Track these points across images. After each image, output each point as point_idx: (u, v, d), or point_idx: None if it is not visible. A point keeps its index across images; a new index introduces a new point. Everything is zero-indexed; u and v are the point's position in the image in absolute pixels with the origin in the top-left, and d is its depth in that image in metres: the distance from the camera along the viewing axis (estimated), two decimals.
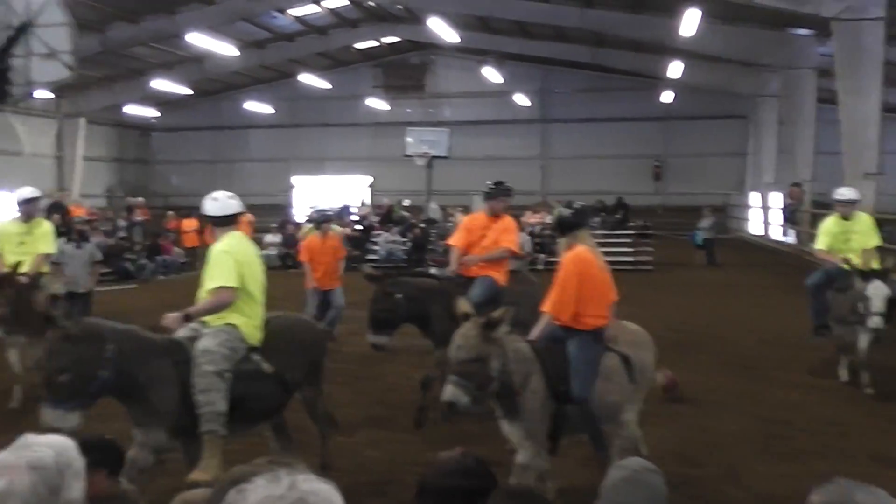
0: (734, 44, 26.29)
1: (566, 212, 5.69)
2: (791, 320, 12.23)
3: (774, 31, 25.86)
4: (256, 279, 5.77)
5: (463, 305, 5.25)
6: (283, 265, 22.68)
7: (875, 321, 8.14)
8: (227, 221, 5.96)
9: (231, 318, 5.52)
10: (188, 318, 5.44)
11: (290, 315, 6.58)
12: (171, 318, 5.39)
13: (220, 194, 6.17)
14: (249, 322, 5.62)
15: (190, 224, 24.86)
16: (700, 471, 6.40)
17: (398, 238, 23.32)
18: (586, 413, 5.31)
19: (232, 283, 5.48)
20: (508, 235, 7.98)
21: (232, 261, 5.54)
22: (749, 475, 6.28)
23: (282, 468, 1.50)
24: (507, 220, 8.19)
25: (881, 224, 22.32)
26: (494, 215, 8.11)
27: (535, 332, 5.48)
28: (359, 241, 24.69)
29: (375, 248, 24.71)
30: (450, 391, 4.83)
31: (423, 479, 2.78)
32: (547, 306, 5.53)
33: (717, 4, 22.14)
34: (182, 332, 5.48)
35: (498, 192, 8.24)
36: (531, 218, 23.55)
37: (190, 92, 36.16)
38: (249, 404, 5.46)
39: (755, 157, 33.92)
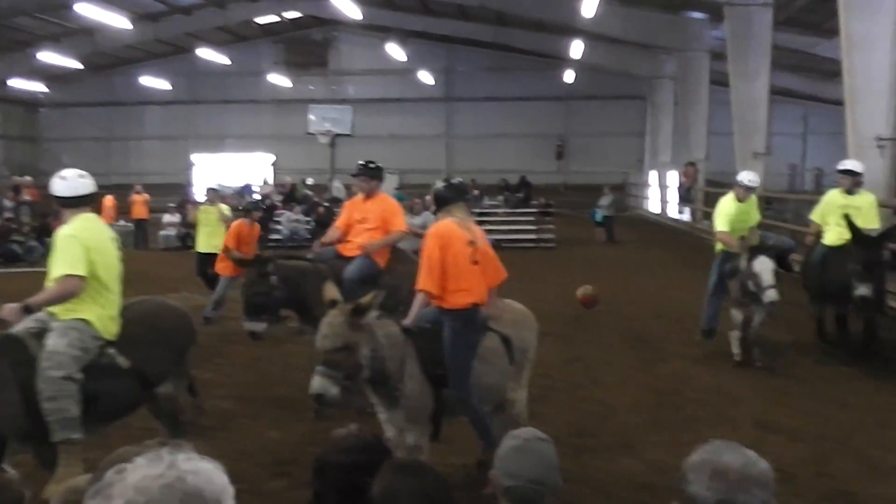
0: (632, 26, 26.90)
1: (440, 186, 5.55)
2: (685, 295, 12.67)
3: (670, 15, 26.59)
4: (110, 266, 5.26)
5: (330, 291, 4.99)
6: (183, 245, 22.08)
7: (770, 294, 8.29)
8: (78, 203, 5.35)
9: (83, 311, 5.05)
10: (28, 310, 4.92)
11: (152, 300, 6.10)
12: (8, 309, 4.87)
13: (70, 172, 5.54)
14: (104, 314, 5.17)
15: None
16: (595, 441, 6.58)
17: (301, 217, 23.02)
18: (465, 403, 5.21)
19: (79, 270, 4.96)
20: (395, 218, 7.64)
21: (79, 246, 4.99)
22: (642, 444, 6.50)
23: (165, 448, 1.46)
24: (388, 202, 7.89)
25: (770, 201, 23.47)
26: (367, 196, 7.79)
27: (412, 313, 5.19)
28: (261, 221, 24.23)
29: (278, 227, 24.33)
30: (317, 383, 4.55)
31: (321, 457, 2.77)
32: (418, 284, 5.27)
33: None
34: (25, 325, 5.00)
35: (362, 172, 7.88)
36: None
37: (80, 66, 34.67)
38: (104, 402, 5.06)
39: (653, 137, 34.89)
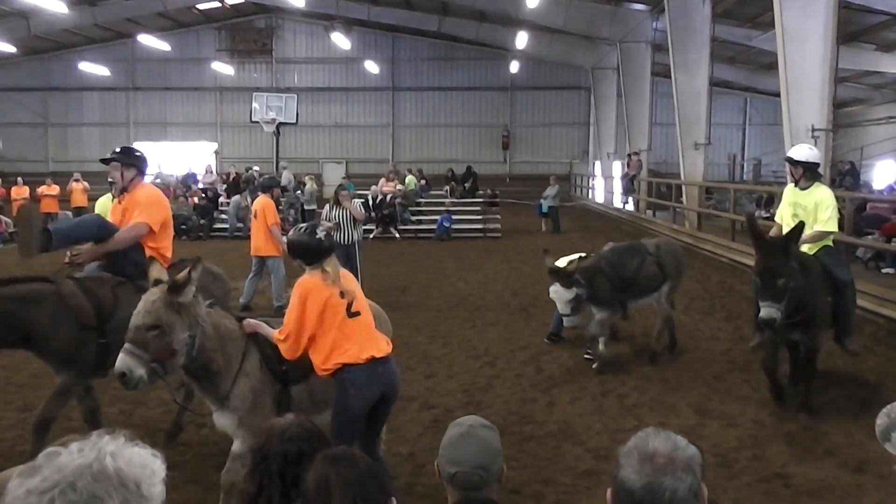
0: (574, 17, 27.14)
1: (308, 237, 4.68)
2: None
3: (612, 6, 26.86)
4: None
5: (155, 271, 4.70)
6: None
7: (566, 321, 8.41)
8: None
9: None
10: None
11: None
12: None
13: None
14: None
15: (20, 192, 23.35)
16: (539, 429, 6.68)
17: (244, 202, 22.64)
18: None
19: None
20: (140, 210, 6.12)
21: None
22: (585, 432, 6.62)
23: (100, 434, 1.48)
24: (144, 192, 6.26)
25: (710, 191, 23.94)
26: (125, 189, 6.22)
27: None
28: (205, 210, 23.95)
29: (224, 215, 24.02)
30: (121, 361, 4.22)
31: (263, 447, 2.76)
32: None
33: None
34: None
35: (116, 158, 6.22)
36: (385, 186, 23.54)
37: (14, 50, 33.65)
38: None
39: (597, 128, 35.27)
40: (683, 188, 21.61)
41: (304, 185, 25.18)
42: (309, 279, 4.57)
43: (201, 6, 35.66)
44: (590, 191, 36.48)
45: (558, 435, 6.55)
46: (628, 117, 28.09)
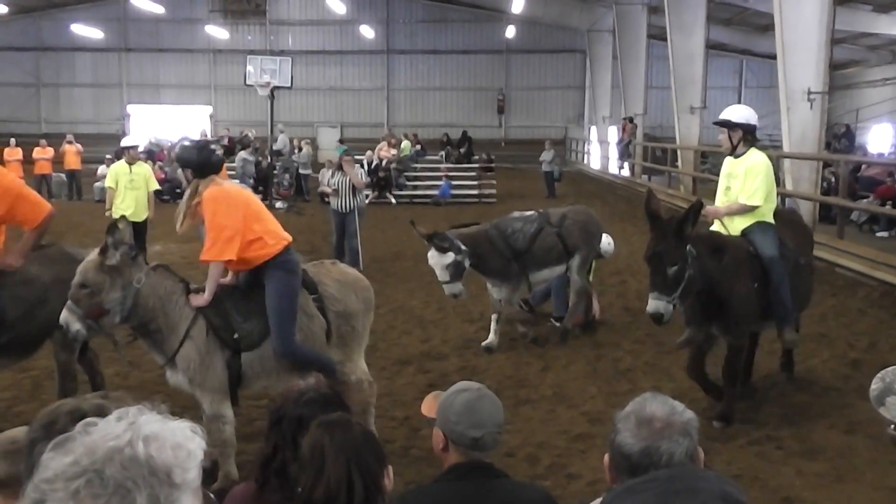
0: None
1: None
2: (621, 248, 12.88)
3: None
4: None
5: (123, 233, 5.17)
6: None
7: (445, 289, 7.83)
8: None
9: None
10: None
11: (57, 248, 5.92)
12: None
13: None
14: None
15: (13, 153, 23.18)
16: (534, 392, 6.74)
17: (250, 157, 22.42)
18: (291, 352, 4.96)
19: None
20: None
21: None
22: (580, 395, 6.68)
23: (139, 406, 1.44)
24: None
25: (705, 155, 23.90)
26: None
27: (209, 286, 4.90)
28: None
29: (232, 166, 23.78)
30: (62, 315, 4.67)
31: (280, 409, 2.80)
32: (212, 255, 4.93)
33: None
34: None
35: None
36: (383, 151, 23.43)
37: (5, 9, 33.19)
38: None
39: (592, 92, 35.09)
40: (679, 152, 21.56)
41: (301, 149, 25.04)
42: (212, 189, 4.94)
43: None
44: (585, 155, 36.37)
45: (552, 398, 6.61)
46: (624, 81, 27.93)
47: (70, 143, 23.59)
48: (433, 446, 2.64)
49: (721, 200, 6.29)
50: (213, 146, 5.33)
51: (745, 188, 6.03)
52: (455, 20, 38.20)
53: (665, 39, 21.53)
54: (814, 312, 9.24)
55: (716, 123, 6.33)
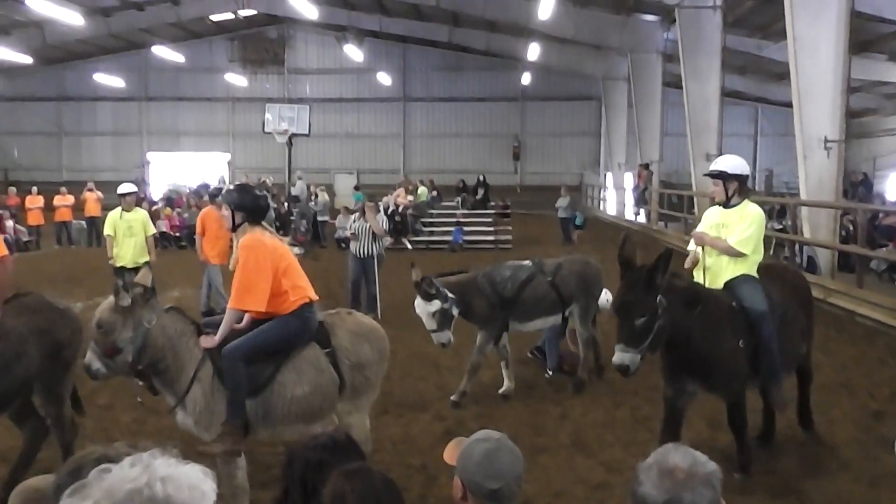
0: (585, 27, 27.18)
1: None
2: None
3: (623, 16, 26.89)
4: None
5: (142, 276, 5.34)
6: None
7: (433, 337, 7.79)
8: None
9: None
10: None
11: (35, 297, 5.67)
12: None
13: None
14: None
15: (34, 200, 23.53)
16: (551, 440, 6.67)
17: (272, 204, 22.67)
18: (231, 361, 4.91)
19: None
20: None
21: None
22: (598, 444, 6.60)
23: (150, 452, 1.47)
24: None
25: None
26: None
27: (221, 330, 5.02)
28: None
29: None
30: (86, 355, 4.97)
31: (291, 452, 2.87)
32: (239, 304, 5.04)
33: None
34: None
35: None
36: (400, 198, 23.58)
37: (30, 60, 33.95)
38: None
39: (608, 138, 35.26)
40: (695, 199, 21.56)
41: (317, 196, 25.24)
42: (255, 237, 5.07)
43: (214, 17, 35.91)
44: (601, 202, 36.41)
45: (570, 447, 6.54)
46: (639, 127, 28.07)
47: (90, 190, 23.90)
48: (453, 494, 2.61)
49: (709, 252, 5.98)
50: (259, 192, 5.36)
51: (736, 232, 5.80)
52: (471, 68, 38.64)
53: (680, 87, 21.67)
54: (834, 362, 9.15)
55: (710, 175, 6.05)
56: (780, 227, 18.12)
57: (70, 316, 5.71)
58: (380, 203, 21.01)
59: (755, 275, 5.88)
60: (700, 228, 6.20)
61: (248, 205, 5.16)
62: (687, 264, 6.23)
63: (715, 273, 5.89)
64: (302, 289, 5.16)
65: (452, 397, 7.77)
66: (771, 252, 18.13)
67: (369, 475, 2.44)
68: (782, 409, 6.22)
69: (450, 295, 7.59)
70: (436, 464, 5.96)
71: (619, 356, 5.21)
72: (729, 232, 5.84)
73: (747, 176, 6.04)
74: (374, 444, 5.76)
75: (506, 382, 8.04)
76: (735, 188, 5.93)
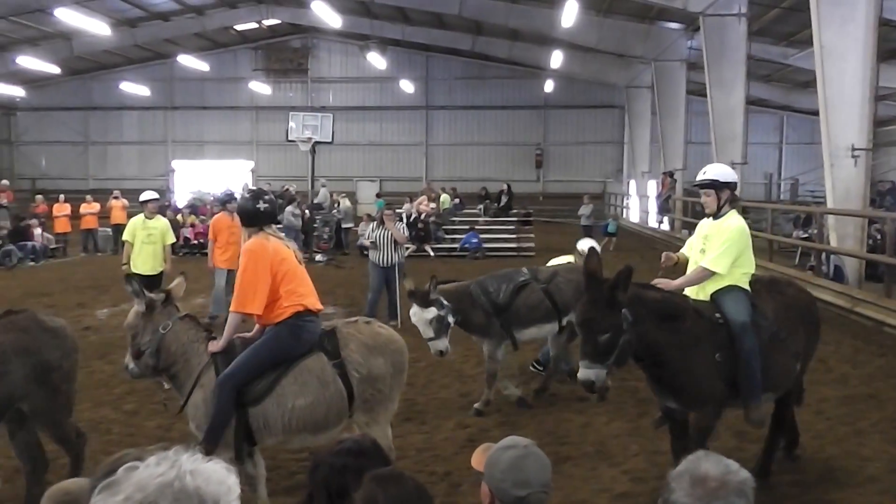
0: (608, 36, 27.13)
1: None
2: None
3: (646, 24, 26.81)
4: None
5: (177, 287, 5.54)
6: None
7: (430, 346, 7.67)
8: None
9: None
10: None
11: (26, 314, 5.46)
12: None
13: None
14: None
15: (61, 208, 23.82)
16: (575, 450, 6.64)
17: (297, 211, 22.75)
18: (219, 385, 4.97)
19: None
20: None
21: None
22: (622, 453, 6.56)
23: (175, 449, 1.50)
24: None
25: (746, 211, 23.69)
26: None
27: (226, 335, 5.15)
28: None
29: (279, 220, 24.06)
30: (127, 357, 5.30)
31: (316, 457, 2.88)
32: (239, 307, 5.12)
33: None
34: None
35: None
36: (423, 205, 23.59)
37: (57, 70, 34.46)
38: None
39: (631, 147, 35.14)
40: None
41: (339, 203, 25.34)
42: (257, 241, 5.13)
43: (239, 27, 36.26)
44: (624, 210, 36.28)
45: (594, 456, 6.50)
46: (663, 136, 27.95)
47: (116, 198, 24.16)
48: (481, 501, 2.60)
49: (695, 263, 5.74)
50: (265, 197, 5.32)
51: (712, 248, 5.56)
52: (493, 76, 38.68)
53: (704, 95, 21.56)
54: (861, 373, 9.05)
55: (700, 185, 5.77)
56: (806, 235, 17.97)
57: (62, 336, 5.41)
58: (398, 210, 21.08)
59: (744, 286, 5.58)
60: (692, 240, 6.06)
61: (247, 211, 5.25)
62: (663, 261, 5.88)
63: (701, 285, 5.65)
64: (298, 296, 5.13)
65: (476, 405, 7.75)
66: (797, 261, 18.03)
67: (402, 480, 2.44)
68: (759, 427, 5.81)
69: (445, 302, 7.55)
70: (459, 472, 5.96)
71: (584, 372, 4.99)
72: (710, 247, 5.62)
73: (736, 184, 5.83)
74: (397, 452, 5.76)
75: (511, 388, 8.02)
76: (727, 197, 5.72)
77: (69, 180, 37.79)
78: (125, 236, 11.36)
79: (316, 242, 22.54)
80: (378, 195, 28.52)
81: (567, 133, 38.75)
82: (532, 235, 24.35)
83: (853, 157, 12.76)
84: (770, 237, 17.48)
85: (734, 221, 5.65)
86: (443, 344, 7.57)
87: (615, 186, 37.76)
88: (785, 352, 5.62)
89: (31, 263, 20.88)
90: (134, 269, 10.80)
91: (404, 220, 21.81)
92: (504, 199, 27.72)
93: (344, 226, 24.19)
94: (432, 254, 22.22)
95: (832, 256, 14.39)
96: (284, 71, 39.91)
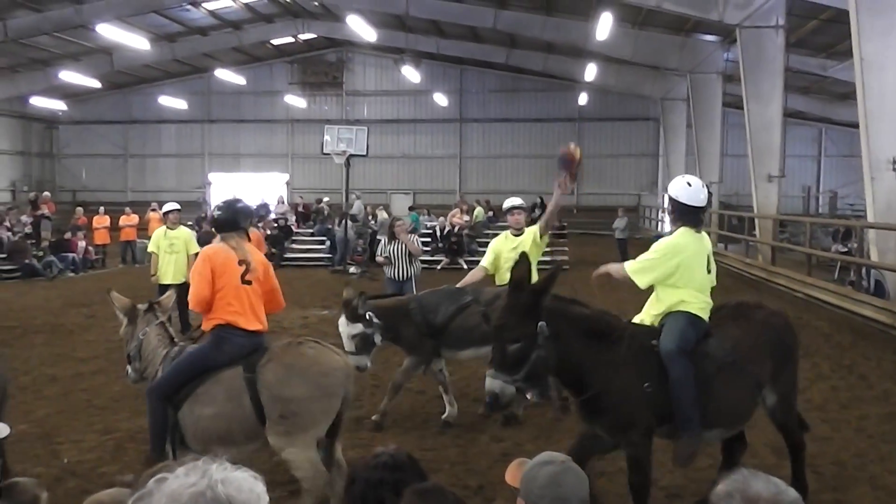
0: (643, 48, 26.99)
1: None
2: None
3: (682, 37, 26.64)
4: None
5: (167, 300, 6.00)
6: None
7: (352, 360, 6.87)
8: None
9: None
10: None
11: None
12: None
13: None
14: None
15: (101, 220, 24.22)
16: (609, 464, 6.55)
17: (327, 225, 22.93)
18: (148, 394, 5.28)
19: None
20: None
21: None
22: (657, 469, 6.43)
23: (203, 460, 1.52)
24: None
25: (784, 224, 23.44)
26: None
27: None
28: (276, 240, 24.42)
29: (295, 244, 24.33)
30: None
31: (352, 471, 2.90)
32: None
33: (627, 9, 22.68)
34: None
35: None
36: (456, 217, 23.64)
37: (98, 85, 35.12)
38: None
39: (666, 159, 34.88)
40: (756, 221, 21.17)
41: (376, 216, 25.46)
42: (212, 246, 5.45)
43: (275, 41, 36.70)
44: (659, 223, 35.99)
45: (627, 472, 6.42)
46: (698, 148, 27.71)
47: (154, 210, 24.51)
48: None
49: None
50: (237, 205, 5.59)
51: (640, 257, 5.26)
52: (527, 89, 38.68)
53: (740, 107, 21.34)
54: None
55: (702, 205, 5.22)
56: (846, 249, 17.70)
57: None
58: (405, 218, 21.09)
59: (692, 311, 5.07)
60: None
61: (210, 219, 5.59)
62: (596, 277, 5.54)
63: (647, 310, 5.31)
64: (228, 311, 5.16)
65: (374, 417, 7.67)
66: (836, 276, 17.75)
67: (442, 494, 2.44)
68: (681, 465, 5.21)
69: (375, 320, 7.40)
70: (493, 486, 5.93)
71: (490, 382, 4.53)
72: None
73: (680, 202, 5.18)
74: (432, 465, 5.74)
75: (447, 408, 7.83)
76: (674, 216, 5.30)
77: (108, 192, 38.51)
78: (150, 248, 11.62)
79: (350, 255, 22.66)
80: (411, 208, 28.61)
81: (601, 145, 38.58)
82: (566, 248, 24.24)
83: (894, 169, 12.54)
84: (808, 251, 17.23)
85: (670, 237, 5.25)
86: (362, 361, 7.34)
87: (650, 199, 37.48)
88: (741, 384, 5.06)
89: (71, 274, 21.22)
90: (163, 279, 11.02)
91: (438, 232, 21.86)
92: (537, 212, 27.66)
93: (379, 238, 24.28)
94: (466, 266, 22.20)
95: (872, 271, 14.15)
96: (320, 84, 40.28)
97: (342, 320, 7.42)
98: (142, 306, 5.73)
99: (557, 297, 4.83)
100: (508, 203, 8.80)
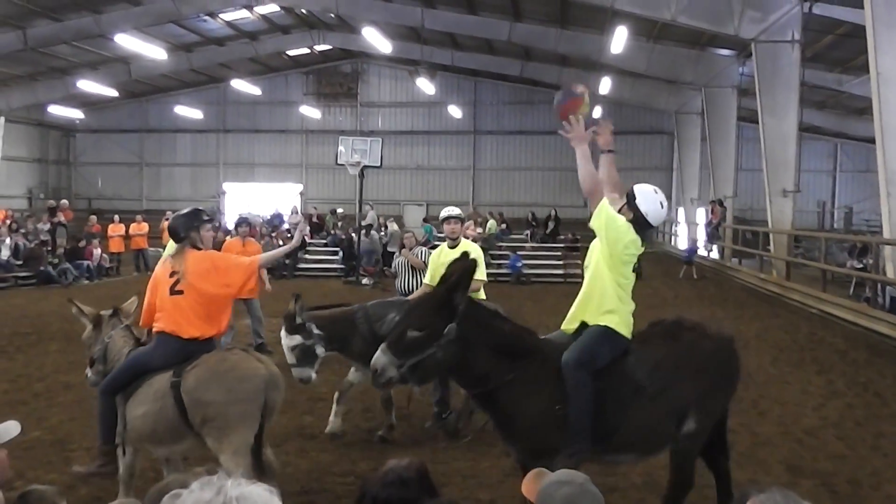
0: (658, 61, 26.97)
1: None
2: None
3: (696, 51, 26.62)
4: None
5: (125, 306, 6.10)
6: None
7: (293, 372, 7.19)
8: None
9: None
10: None
11: None
12: None
13: None
14: None
15: (116, 228, 24.35)
16: (624, 480, 6.53)
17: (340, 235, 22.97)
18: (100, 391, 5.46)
19: None
20: None
21: None
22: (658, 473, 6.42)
23: (217, 475, 1.51)
24: None
25: (799, 240, 23.32)
26: None
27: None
28: (290, 252, 24.49)
29: (306, 257, 24.37)
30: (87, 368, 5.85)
31: (363, 487, 2.86)
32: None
33: (642, 22, 22.68)
34: None
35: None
36: (469, 230, 23.62)
37: (115, 94, 35.40)
38: None
39: (680, 173, 34.79)
40: (771, 236, 21.07)
41: (386, 227, 25.49)
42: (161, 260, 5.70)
43: (291, 52, 36.92)
44: (672, 237, 35.88)
45: (642, 487, 6.39)
46: (713, 162, 27.62)
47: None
48: None
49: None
50: (179, 216, 5.65)
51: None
52: (541, 101, 38.63)
53: (755, 121, 21.28)
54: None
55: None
56: (861, 265, 17.59)
57: None
58: (415, 230, 21.04)
59: (611, 327, 4.84)
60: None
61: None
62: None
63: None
64: (162, 319, 5.44)
65: (379, 432, 7.65)
66: (851, 291, 17.62)
67: None
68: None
69: (315, 331, 7.23)
70: (504, 499, 5.90)
71: (379, 356, 4.39)
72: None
73: (650, 221, 5.46)
74: (443, 479, 5.71)
75: (332, 419, 7.72)
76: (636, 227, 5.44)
77: (124, 200, 38.75)
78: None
79: (362, 266, 22.68)
80: (425, 220, 28.62)
81: (616, 159, 38.28)
82: (579, 262, 24.18)
83: None
84: (823, 266, 17.13)
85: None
86: (305, 373, 7.21)
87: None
88: (653, 409, 4.76)
89: (86, 282, 21.33)
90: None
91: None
92: (551, 225, 27.64)
93: (389, 249, 24.30)
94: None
95: (889, 287, 14.05)
96: (335, 95, 40.45)
97: (283, 332, 7.27)
98: (105, 312, 5.92)
99: (480, 306, 4.79)
100: (445, 212, 8.45)
